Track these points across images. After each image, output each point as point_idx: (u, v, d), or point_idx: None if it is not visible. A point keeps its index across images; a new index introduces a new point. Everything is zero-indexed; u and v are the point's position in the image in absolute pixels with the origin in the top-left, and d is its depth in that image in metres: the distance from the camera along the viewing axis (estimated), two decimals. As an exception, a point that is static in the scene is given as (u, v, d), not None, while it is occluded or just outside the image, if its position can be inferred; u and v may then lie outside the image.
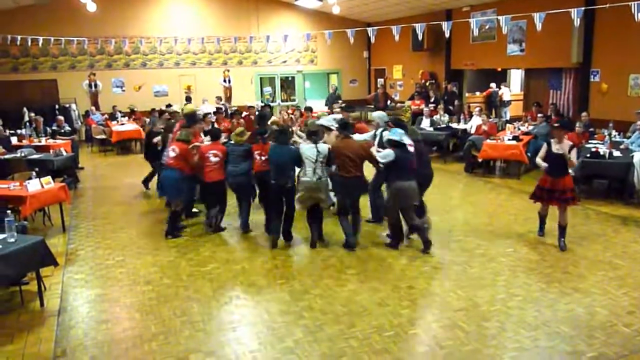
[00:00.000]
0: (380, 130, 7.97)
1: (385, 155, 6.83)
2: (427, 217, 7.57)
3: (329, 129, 7.80)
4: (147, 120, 16.07)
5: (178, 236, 7.83)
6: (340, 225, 7.29)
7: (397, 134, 6.92)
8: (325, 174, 7.07)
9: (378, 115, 8.39)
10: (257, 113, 11.61)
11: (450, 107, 15.25)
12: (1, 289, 5.97)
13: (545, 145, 7.18)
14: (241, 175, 7.70)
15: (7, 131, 12.94)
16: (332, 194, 7.35)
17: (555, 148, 6.92)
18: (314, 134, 7.20)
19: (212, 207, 7.94)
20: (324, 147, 7.09)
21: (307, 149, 7.06)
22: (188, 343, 4.85)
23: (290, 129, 8.79)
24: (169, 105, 14.02)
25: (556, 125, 7.60)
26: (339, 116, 9.33)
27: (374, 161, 7.13)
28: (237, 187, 7.88)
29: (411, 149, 6.87)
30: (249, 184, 7.91)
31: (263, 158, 7.50)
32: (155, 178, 10.14)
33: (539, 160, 7.22)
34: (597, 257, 6.71)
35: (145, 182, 10.67)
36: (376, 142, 7.85)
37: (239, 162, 7.68)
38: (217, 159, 7.67)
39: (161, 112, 12.49)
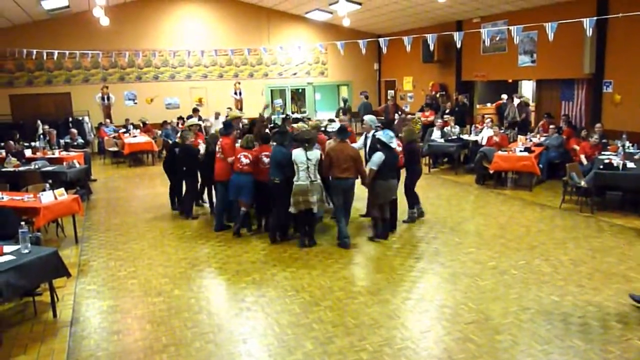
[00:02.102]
0: (372, 132, 8.61)
1: (375, 161, 7.56)
2: (420, 205, 8.98)
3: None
4: (159, 132, 16.25)
5: (240, 235, 8.40)
6: (339, 224, 7.80)
7: (387, 136, 7.69)
8: (317, 177, 7.47)
9: (369, 118, 9.06)
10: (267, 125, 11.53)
11: (461, 119, 15.24)
12: (15, 300, 6.03)
13: None
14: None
15: (22, 143, 13.11)
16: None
17: None
18: (307, 142, 7.48)
19: (262, 210, 8.58)
20: (314, 153, 7.49)
21: (298, 154, 7.44)
22: (199, 355, 4.85)
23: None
24: (190, 117, 14.10)
25: None
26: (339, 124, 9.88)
27: (361, 171, 7.73)
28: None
29: (398, 148, 7.93)
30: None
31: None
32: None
33: None
34: (611, 269, 6.63)
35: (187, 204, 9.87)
36: (367, 144, 8.61)
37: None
38: (268, 159, 8.06)
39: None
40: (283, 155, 7.66)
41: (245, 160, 8.14)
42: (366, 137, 8.76)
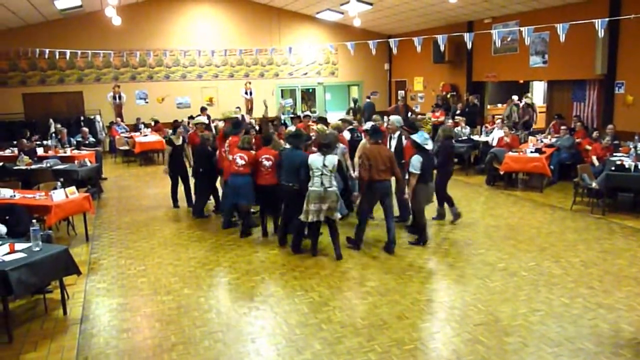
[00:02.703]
0: (397, 133, 8.46)
1: (416, 165, 7.29)
2: (450, 207, 8.80)
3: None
4: (170, 131, 16.32)
5: (249, 234, 8.35)
6: (357, 228, 7.59)
7: (421, 138, 7.44)
8: (333, 184, 7.09)
9: (395, 119, 8.78)
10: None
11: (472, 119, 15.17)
12: (26, 297, 6.09)
13: None
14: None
15: (35, 142, 13.23)
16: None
17: None
18: (326, 146, 7.15)
19: (263, 212, 8.36)
20: (331, 159, 7.10)
21: (314, 159, 7.13)
22: (207, 353, 4.87)
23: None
24: (198, 116, 14.15)
25: None
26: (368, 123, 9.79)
27: (396, 171, 7.44)
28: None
29: (429, 147, 7.55)
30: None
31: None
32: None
33: None
34: (622, 272, 6.57)
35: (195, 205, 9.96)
36: (393, 145, 8.44)
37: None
38: (269, 162, 7.94)
39: (175, 126, 12.42)
40: (299, 158, 7.43)
41: (240, 162, 8.06)
42: (391, 138, 8.57)
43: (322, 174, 7.02)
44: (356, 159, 8.17)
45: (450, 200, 8.79)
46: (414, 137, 7.57)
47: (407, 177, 7.63)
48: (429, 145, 7.53)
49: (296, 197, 7.39)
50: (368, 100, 19.16)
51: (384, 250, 7.48)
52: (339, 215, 7.27)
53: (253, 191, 8.11)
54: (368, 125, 9.23)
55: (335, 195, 7.12)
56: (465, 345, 4.88)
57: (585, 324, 5.25)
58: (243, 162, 8.07)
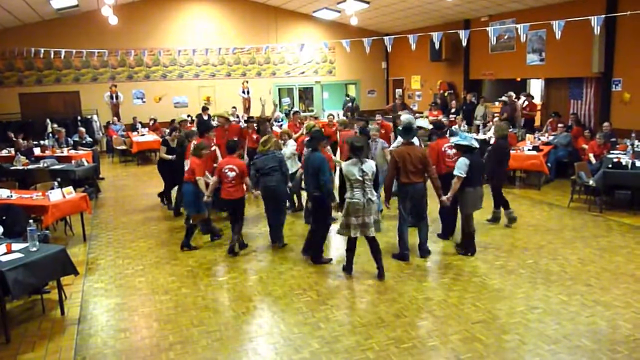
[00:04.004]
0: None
1: (461, 167, 6.81)
2: (511, 210, 8.42)
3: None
4: (167, 131, 16.29)
5: (194, 249, 7.77)
6: (399, 236, 7.09)
7: (466, 139, 6.96)
8: (374, 195, 6.28)
9: (407, 118, 8.33)
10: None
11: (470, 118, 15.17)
12: (23, 297, 6.08)
13: None
14: (275, 184, 7.47)
15: (32, 142, 13.20)
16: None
17: None
18: (359, 150, 6.19)
19: (233, 228, 7.54)
20: (370, 165, 6.24)
21: (350, 169, 6.19)
22: (205, 353, 4.87)
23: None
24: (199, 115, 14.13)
25: None
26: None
27: (430, 172, 6.94)
28: (267, 196, 7.57)
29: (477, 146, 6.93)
30: (284, 193, 7.84)
31: None
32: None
33: None
34: (620, 269, 6.58)
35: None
36: (394, 146, 8.09)
37: (272, 173, 7.46)
38: (233, 173, 7.23)
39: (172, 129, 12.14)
40: (317, 160, 6.82)
41: (186, 167, 7.71)
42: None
43: (363, 183, 6.14)
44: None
45: (506, 203, 8.54)
46: (459, 141, 7.02)
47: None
48: (476, 144, 7.01)
49: (318, 205, 6.92)
50: (396, 102, 18.90)
51: (419, 257, 7.15)
52: (376, 231, 6.42)
53: (198, 200, 7.43)
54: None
55: (376, 207, 6.38)
56: (463, 343, 4.88)
57: (583, 321, 5.26)
58: (187, 168, 7.71)
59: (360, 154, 6.17)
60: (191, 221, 7.69)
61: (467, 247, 7.23)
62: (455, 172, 6.87)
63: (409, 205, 7.04)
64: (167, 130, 16.13)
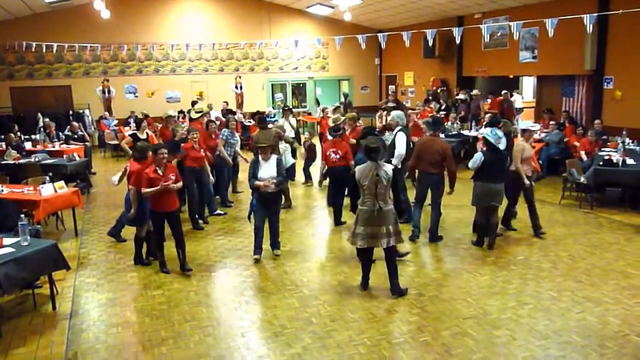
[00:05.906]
0: (397, 129, 8.14)
1: (472, 160, 7.10)
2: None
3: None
4: (160, 126, 16.20)
5: (146, 264, 6.99)
6: (412, 214, 7.75)
7: (494, 137, 6.99)
8: (389, 202, 5.72)
9: (397, 114, 8.41)
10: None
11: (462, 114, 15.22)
12: (14, 292, 6.05)
13: None
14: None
15: (22, 136, 13.10)
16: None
17: None
18: (375, 151, 5.66)
19: (156, 244, 6.76)
20: (387, 169, 5.68)
21: (363, 173, 5.69)
22: (197, 348, 4.87)
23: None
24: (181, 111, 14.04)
25: None
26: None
27: (449, 165, 7.31)
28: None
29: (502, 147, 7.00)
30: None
31: (338, 155, 8.22)
32: None
33: None
34: (610, 265, 6.64)
35: None
36: (391, 141, 8.13)
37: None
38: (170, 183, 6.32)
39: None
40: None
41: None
42: (394, 134, 8.16)
43: (375, 190, 5.59)
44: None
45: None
46: (486, 134, 7.00)
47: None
48: (502, 145, 6.92)
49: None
50: (389, 98, 18.86)
51: (430, 242, 7.59)
52: (391, 243, 5.72)
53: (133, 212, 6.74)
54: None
55: (393, 214, 5.75)
56: (454, 339, 4.91)
57: (573, 317, 5.30)
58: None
59: (376, 157, 5.64)
60: (137, 232, 6.99)
61: (477, 238, 7.50)
62: (469, 164, 7.19)
63: (422, 192, 7.56)
64: (160, 126, 16.10)
